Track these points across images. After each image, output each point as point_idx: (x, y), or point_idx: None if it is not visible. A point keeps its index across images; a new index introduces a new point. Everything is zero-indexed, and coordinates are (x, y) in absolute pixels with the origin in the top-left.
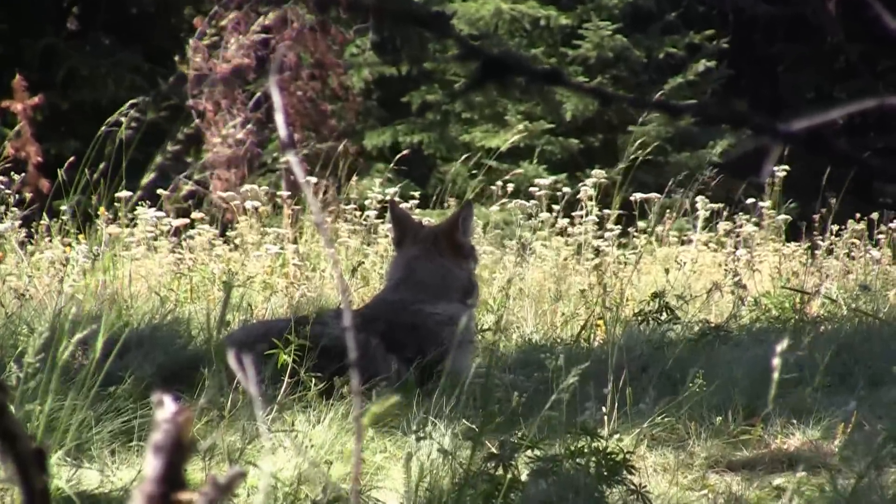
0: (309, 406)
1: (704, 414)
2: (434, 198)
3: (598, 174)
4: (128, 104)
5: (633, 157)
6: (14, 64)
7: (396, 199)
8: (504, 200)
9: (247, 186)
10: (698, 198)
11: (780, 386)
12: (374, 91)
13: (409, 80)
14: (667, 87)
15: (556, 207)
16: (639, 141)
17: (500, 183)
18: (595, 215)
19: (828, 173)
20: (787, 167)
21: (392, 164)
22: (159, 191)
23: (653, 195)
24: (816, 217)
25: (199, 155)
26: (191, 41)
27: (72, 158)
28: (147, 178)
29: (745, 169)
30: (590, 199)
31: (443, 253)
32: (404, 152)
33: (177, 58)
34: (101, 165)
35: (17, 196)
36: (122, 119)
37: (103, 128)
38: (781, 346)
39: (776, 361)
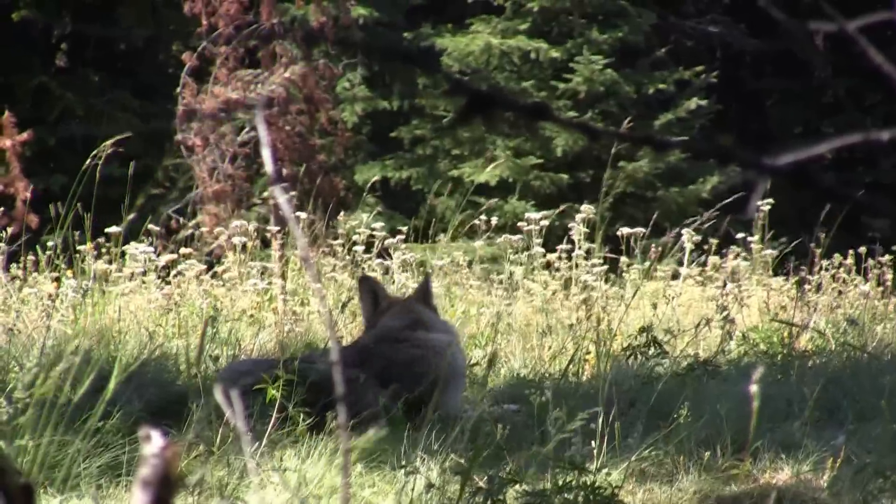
0: (298, 441)
1: (693, 448)
2: (422, 232)
3: (586, 209)
4: (111, 140)
5: (616, 191)
6: (4, 100)
7: (370, 273)
8: (490, 235)
9: (235, 222)
10: (684, 231)
11: (769, 420)
12: (365, 125)
13: (400, 115)
14: (657, 123)
15: (538, 242)
16: (623, 176)
17: (483, 217)
18: (584, 250)
19: (826, 209)
20: (771, 201)
21: (366, 193)
22: (150, 226)
23: (639, 230)
24: (809, 250)
25: (188, 190)
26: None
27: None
28: (131, 214)
29: (734, 204)
30: (578, 234)
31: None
32: (373, 179)
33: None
34: (77, 204)
35: (6, 231)
36: (102, 154)
37: (88, 160)
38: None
39: (754, 388)
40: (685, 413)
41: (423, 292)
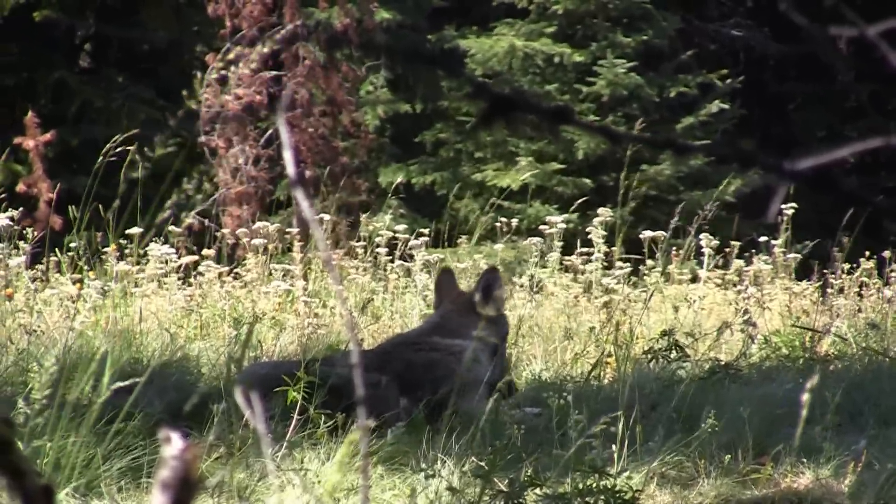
0: (318, 444)
1: (714, 452)
2: (445, 235)
3: (604, 212)
4: (120, 137)
5: (638, 194)
6: (26, 98)
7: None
8: (513, 238)
9: (258, 224)
10: (703, 235)
11: (790, 424)
12: (388, 128)
13: (423, 118)
14: (679, 126)
15: (559, 245)
16: (644, 179)
17: (503, 219)
18: (604, 253)
19: (848, 213)
20: (794, 205)
21: (389, 196)
22: (171, 227)
23: (660, 233)
24: (829, 255)
25: (211, 191)
26: (204, 75)
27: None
28: (161, 216)
29: (756, 207)
30: (597, 237)
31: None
32: (396, 182)
33: (185, 93)
34: (116, 203)
35: (33, 232)
36: (114, 151)
37: (100, 159)
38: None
39: (805, 397)
40: (707, 417)
41: (478, 289)
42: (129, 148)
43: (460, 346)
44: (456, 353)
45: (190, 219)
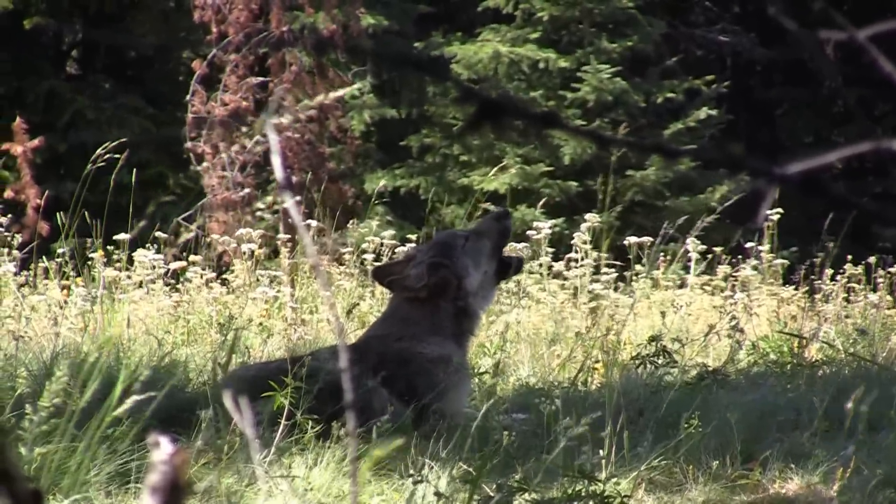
0: (306, 448)
1: (702, 458)
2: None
3: (591, 218)
4: (115, 143)
5: (619, 201)
6: (16, 106)
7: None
8: None
9: (242, 230)
10: (689, 240)
11: (778, 430)
12: (374, 134)
13: (409, 124)
14: (666, 132)
15: (550, 250)
16: (627, 184)
17: None
18: (591, 259)
19: (829, 218)
20: (780, 210)
21: (374, 200)
22: (158, 233)
23: (646, 239)
24: (815, 260)
25: (198, 197)
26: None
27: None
28: (141, 222)
29: (742, 213)
30: (584, 242)
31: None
32: (381, 188)
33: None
34: (84, 211)
35: (18, 238)
36: (103, 159)
37: (90, 165)
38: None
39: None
40: (694, 422)
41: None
42: (117, 155)
43: (438, 353)
44: (433, 359)
45: (191, 232)
